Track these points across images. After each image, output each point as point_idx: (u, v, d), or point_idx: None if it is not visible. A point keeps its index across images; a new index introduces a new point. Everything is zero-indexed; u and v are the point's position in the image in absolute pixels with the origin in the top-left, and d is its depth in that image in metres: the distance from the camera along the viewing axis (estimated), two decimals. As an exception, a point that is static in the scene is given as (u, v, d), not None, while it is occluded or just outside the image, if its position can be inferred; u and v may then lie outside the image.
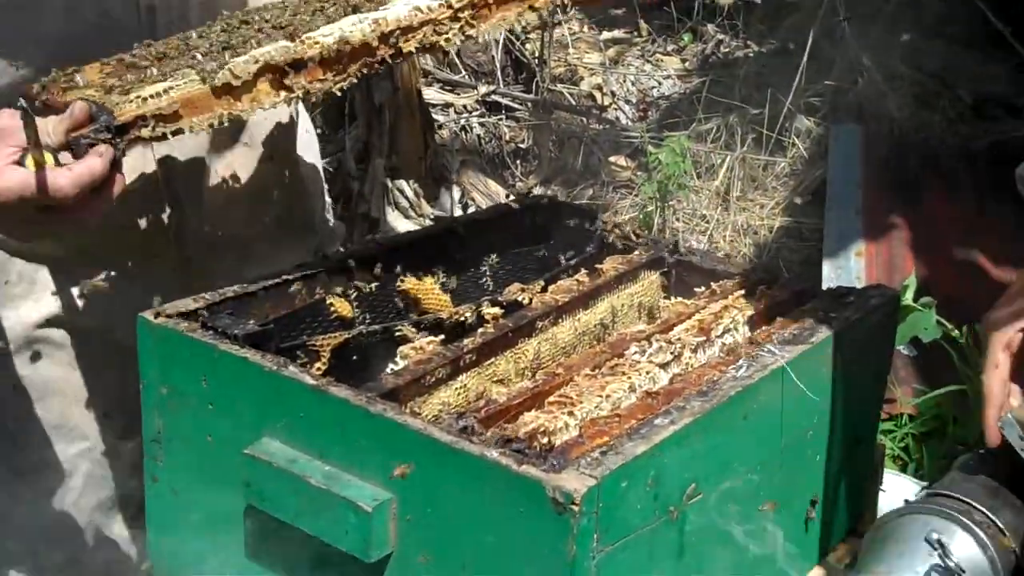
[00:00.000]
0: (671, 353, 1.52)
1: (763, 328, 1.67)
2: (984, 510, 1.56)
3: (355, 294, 1.72)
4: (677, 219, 4.35)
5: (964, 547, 1.55)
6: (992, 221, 4.08)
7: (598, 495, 1.20)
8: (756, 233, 4.33)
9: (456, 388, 1.50)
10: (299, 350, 1.53)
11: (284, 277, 1.66)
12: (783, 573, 1.66)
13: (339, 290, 1.70)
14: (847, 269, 3.89)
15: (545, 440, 1.32)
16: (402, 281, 1.78)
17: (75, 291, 1.85)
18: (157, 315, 1.52)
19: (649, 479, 1.28)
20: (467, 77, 4.67)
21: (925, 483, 3.01)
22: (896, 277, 3.73)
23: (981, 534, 1.55)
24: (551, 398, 1.41)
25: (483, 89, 4.68)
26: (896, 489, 2.92)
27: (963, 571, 1.53)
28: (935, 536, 1.55)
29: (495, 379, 1.56)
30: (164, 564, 1.61)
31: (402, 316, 1.74)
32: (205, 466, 1.50)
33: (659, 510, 1.31)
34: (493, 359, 1.56)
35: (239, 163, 1.97)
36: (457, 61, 4.75)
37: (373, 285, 1.76)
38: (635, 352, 1.53)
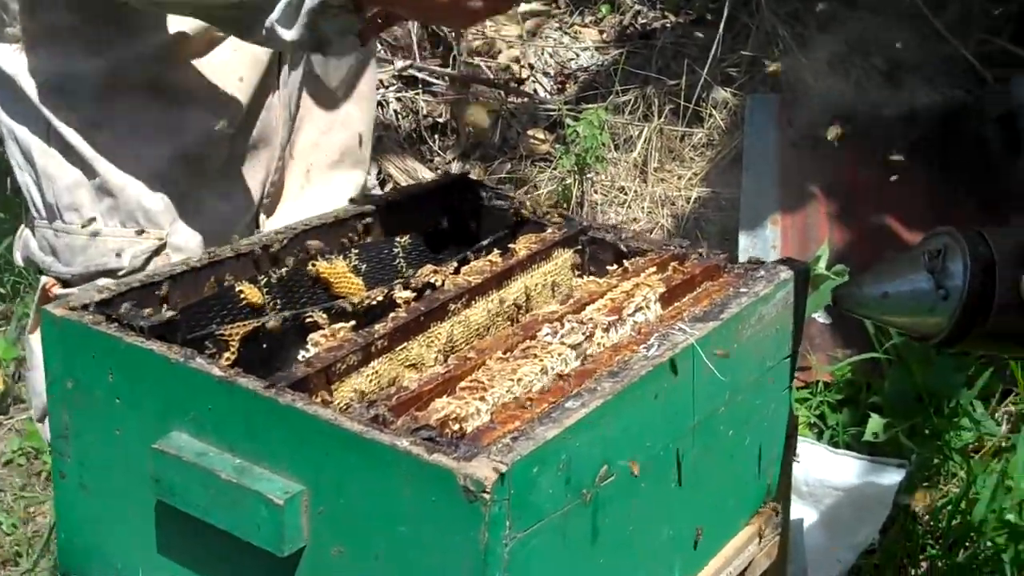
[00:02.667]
0: (583, 334, 1.52)
1: (674, 305, 1.68)
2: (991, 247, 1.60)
3: (265, 280, 1.70)
4: (596, 192, 4.34)
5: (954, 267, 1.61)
6: (903, 186, 4.13)
7: (509, 482, 1.20)
8: (674, 204, 4.33)
9: (368, 374, 1.48)
10: (207, 340, 1.51)
11: (191, 265, 1.63)
12: (700, 547, 1.68)
13: (248, 276, 1.68)
14: (763, 238, 3.91)
15: (457, 427, 1.31)
16: (313, 265, 1.76)
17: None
18: (61, 307, 1.49)
19: (560, 463, 1.28)
20: (383, 51, 4.62)
21: (840, 450, 3.08)
22: (811, 245, 3.76)
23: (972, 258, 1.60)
24: (463, 383, 1.40)
25: (399, 64, 4.63)
26: (810, 457, 2.98)
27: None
28: (934, 246, 1.63)
29: (408, 363, 1.55)
30: (75, 562, 1.58)
31: (314, 301, 1.73)
32: (114, 462, 1.47)
33: (571, 493, 1.31)
34: (405, 343, 1.55)
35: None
36: (373, 35, 4.69)
37: (284, 270, 1.74)
38: (547, 333, 1.52)
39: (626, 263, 1.78)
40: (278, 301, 1.70)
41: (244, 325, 1.54)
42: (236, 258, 1.68)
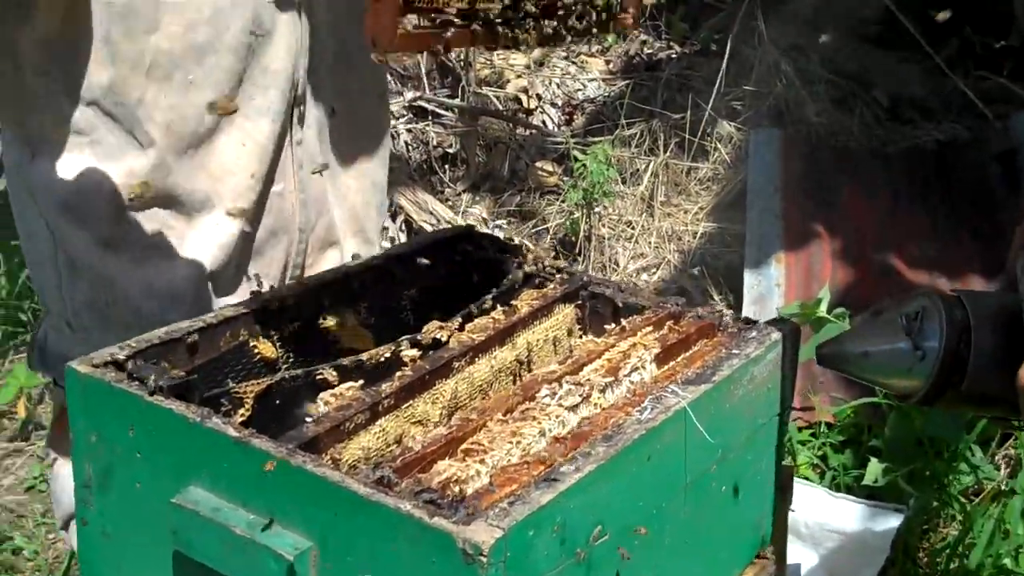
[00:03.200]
0: (580, 395, 1.59)
1: (669, 364, 1.76)
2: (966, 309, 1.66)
3: (277, 335, 1.78)
4: (603, 225, 4.42)
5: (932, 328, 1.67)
6: (906, 224, 4.20)
7: (505, 545, 1.27)
8: (680, 239, 4.41)
9: (375, 432, 1.56)
10: (223, 398, 1.58)
11: (208, 321, 1.71)
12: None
13: (262, 332, 1.76)
14: (767, 276, 3.97)
15: (457, 489, 1.38)
16: (323, 320, 1.84)
17: None
18: (85, 364, 1.57)
19: (555, 525, 1.35)
20: (393, 83, 4.71)
21: (840, 494, 3.15)
22: (814, 284, 3.83)
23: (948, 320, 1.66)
24: (464, 445, 1.48)
25: (409, 95, 4.72)
26: (810, 500, 3.04)
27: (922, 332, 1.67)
28: (911, 309, 1.69)
29: (414, 420, 1.62)
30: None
31: (325, 354, 1.80)
32: (134, 512, 1.55)
33: (566, 554, 1.38)
34: (411, 401, 1.62)
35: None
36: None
37: (296, 324, 1.81)
38: (546, 395, 1.60)
39: (624, 322, 1.86)
40: (290, 355, 1.78)
41: (258, 383, 1.61)
42: (250, 314, 1.76)
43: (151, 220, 2.01)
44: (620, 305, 1.92)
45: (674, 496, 1.59)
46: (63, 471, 2.13)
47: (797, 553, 2.78)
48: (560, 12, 1.74)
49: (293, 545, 1.37)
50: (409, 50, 1.54)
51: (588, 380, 1.64)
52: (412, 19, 1.55)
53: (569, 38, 1.78)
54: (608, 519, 1.45)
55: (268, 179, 2.11)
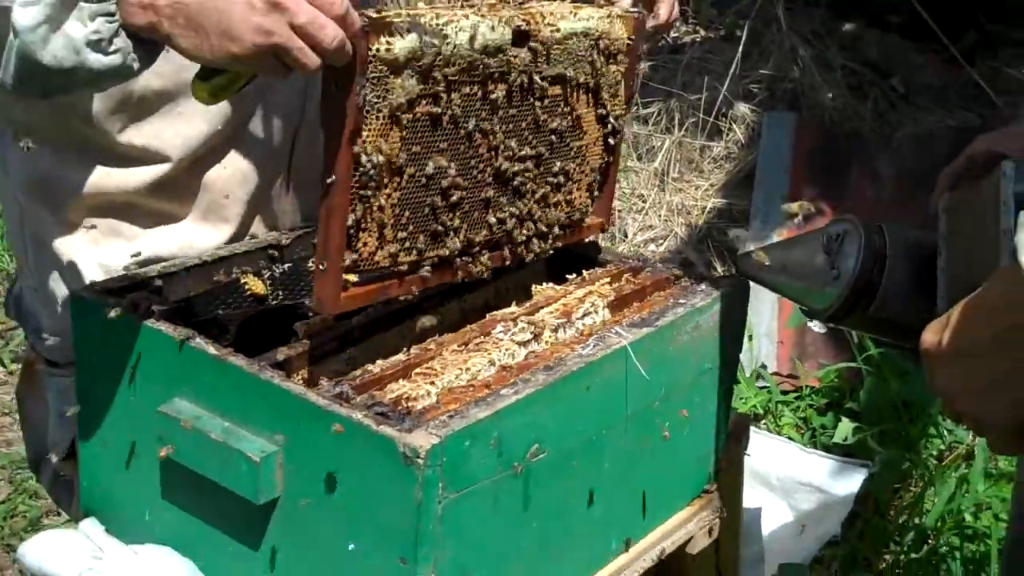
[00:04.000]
0: (531, 333, 1.76)
1: (622, 312, 1.92)
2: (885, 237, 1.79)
3: (268, 274, 1.96)
4: (616, 198, 4.57)
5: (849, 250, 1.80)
6: (911, 206, 4.31)
7: (442, 451, 1.44)
8: (689, 213, 4.57)
9: (344, 359, 1.74)
10: (211, 324, 1.77)
11: (204, 259, 1.90)
12: (635, 525, 1.92)
13: (253, 271, 1.94)
14: (768, 250, 4.11)
15: (406, 405, 1.56)
16: (312, 263, 2.02)
17: None
18: (88, 291, 1.77)
19: (492, 439, 1.52)
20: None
21: (810, 450, 3.31)
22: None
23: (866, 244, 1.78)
24: (418, 369, 1.66)
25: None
26: (783, 454, 3.21)
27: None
28: (835, 230, 1.82)
29: (382, 352, 1.80)
30: (94, 504, 1.85)
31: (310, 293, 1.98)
32: (127, 422, 1.74)
33: (503, 466, 1.55)
34: (381, 335, 1.80)
35: None
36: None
37: (286, 265, 2.00)
38: (500, 331, 1.77)
39: (585, 273, 2.02)
40: (279, 293, 1.96)
41: (243, 312, 1.80)
42: (244, 254, 1.94)
43: (115, 214, 2.03)
44: (589, 258, 2.08)
45: (614, 426, 1.76)
46: (32, 415, 2.26)
47: (768, 503, 2.94)
48: (516, 241, 1.87)
49: (260, 449, 1.55)
50: (358, 306, 1.67)
51: (542, 321, 1.81)
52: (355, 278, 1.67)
53: (532, 257, 1.93)
54: (546, 439, 1.61)
55: (256, 200, 2.09)
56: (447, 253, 1.76)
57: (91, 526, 1.85)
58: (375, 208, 1.64)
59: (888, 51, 5.10)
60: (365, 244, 1.64)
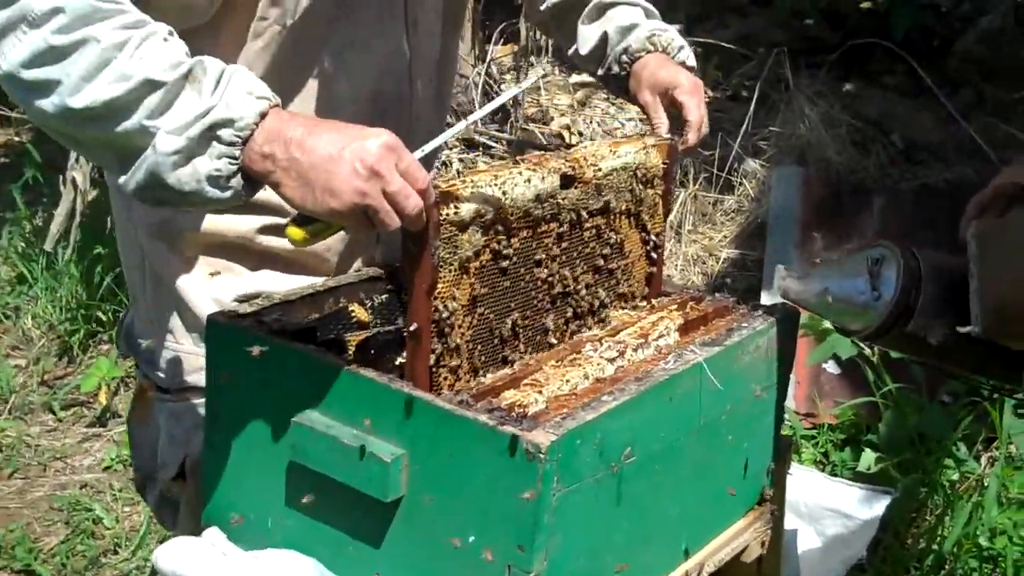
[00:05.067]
0: (617, 351, 1.98)
1: (690, 334, 2.14)
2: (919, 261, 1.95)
3: (370, 304, 2.17)
4: (635, 249, 4.80)
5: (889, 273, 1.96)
6: (929, 247, 4.55)
7: (559, 448, 1.64)
8: (705, 263, 4.80)
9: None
10: (331, 344, 1.98)
11: (317, 288, 2.11)
12: (702, 530, 2.11)
13: (357, 300, 2.15)
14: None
15: (521, 410, 1.77)
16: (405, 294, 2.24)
17: None
18: (223, 316, 1.97)
19: (596, 440, 1.73)
20: (449, 117, 5.13)
21: (836, 478, 3.50)
22: (825, 303, 4.19)
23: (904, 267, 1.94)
24: (525, 381, 1.87)
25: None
26: (810, 483, 3.40)
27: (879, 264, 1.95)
28: (874, 255, 1.98)
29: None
30: (216, 515, 2.03)
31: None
32: (256, 436, 1.92)
33: (603, 465, 1.75)
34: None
35: None
36: (439, 101, 5.20)
37: (384, 296, 2.21)
38: (590, 350, 1.99)
39: (653, 301, 2.24)
40: (378, 320, 2.16)
41: (359, 334, 2.00)
42: (348, 286, 2.15)
43: (228, 254, 2.23)
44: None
45: (689, 434, 1.97)
46: (141, 440, 2.41)
47: (796, 527, 3.13)
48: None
49: (390, 451, 1.75)
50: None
51: (624, 341, 2.03)
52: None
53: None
54: (636, 444, 1.82)
55: (353, 248, 2.29)
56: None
57: (214, 534, 2.03)
58: (452, 347, 1.86)
59: (888, 109, 5.37)
60: (445, 379, 1.86)
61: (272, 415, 1.90)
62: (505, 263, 1.92)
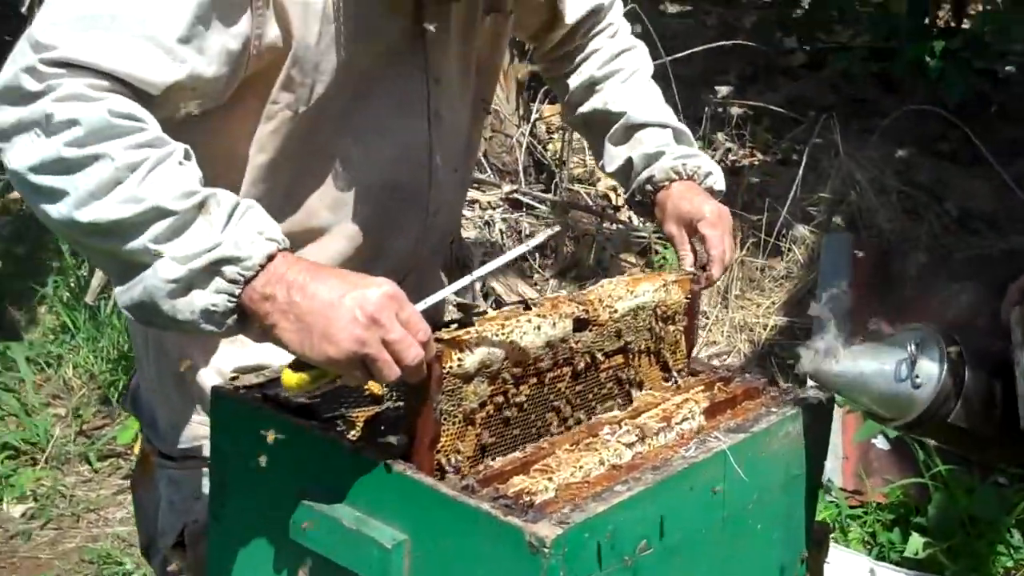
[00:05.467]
0: (636, 435, 1.89)
1: (716, 418, 2.04)
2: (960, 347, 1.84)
3: (384, 377, 2.10)
4: (679, 314, 4.72)
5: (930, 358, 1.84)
6: (969, 330, 4.42)
7: (564, 542, 1.55)
8: (752, 330, 4.69)
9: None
10: (338, 419, 1.91)
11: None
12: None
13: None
14: (830, 367, 4.21)
15: (528, 499, 1.68)
16: (422, 367, 2.17)
17: None
18: (226, 390, 1.91)
19: (607, 532, 1.64)
20: (492, 176, 5.09)
21: (883, 564, 3.37)
22: (874, 376, 4.06)
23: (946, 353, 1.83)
24: (535, 466, 1.78)
25: (506, 188, 5.09)
26: (855, 569, 3.27)
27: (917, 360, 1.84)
28: (914, 341, 1.86)
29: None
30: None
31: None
32: (260, 510, 1.86)
33: (615, 558, 1.66)
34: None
35: None
36: (483, 160, 5.18)
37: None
38: (607, 433, 1.90)
39: (679, 380, 2.15)
40: (394, 394, 2.09)
41: (368, 410, 1.93)
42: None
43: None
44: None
45: (712, 526, 1.87)
46: (145, 503, 2.36)
47: (841, 620, 3.01)
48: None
49: (392, 537, 1.67)
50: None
51: (644, 424, 1.94)
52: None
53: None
54: (653, 536, 1.73)
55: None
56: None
57: (218, 613, 1.97)
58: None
59: (941, 176, 5.26)
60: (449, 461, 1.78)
61: (277, 491, 1.83)
62: (514, 411, 1.86)
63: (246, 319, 1.69)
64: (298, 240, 2.06)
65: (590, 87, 2.49)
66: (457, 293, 4.72)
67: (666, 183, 2.32)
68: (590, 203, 5.25)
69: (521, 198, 5.14)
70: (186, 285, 1.64)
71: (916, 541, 3.37)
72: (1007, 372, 1.82)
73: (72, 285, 5.67)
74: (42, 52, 1.65)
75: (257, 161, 1.99)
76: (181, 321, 1.67)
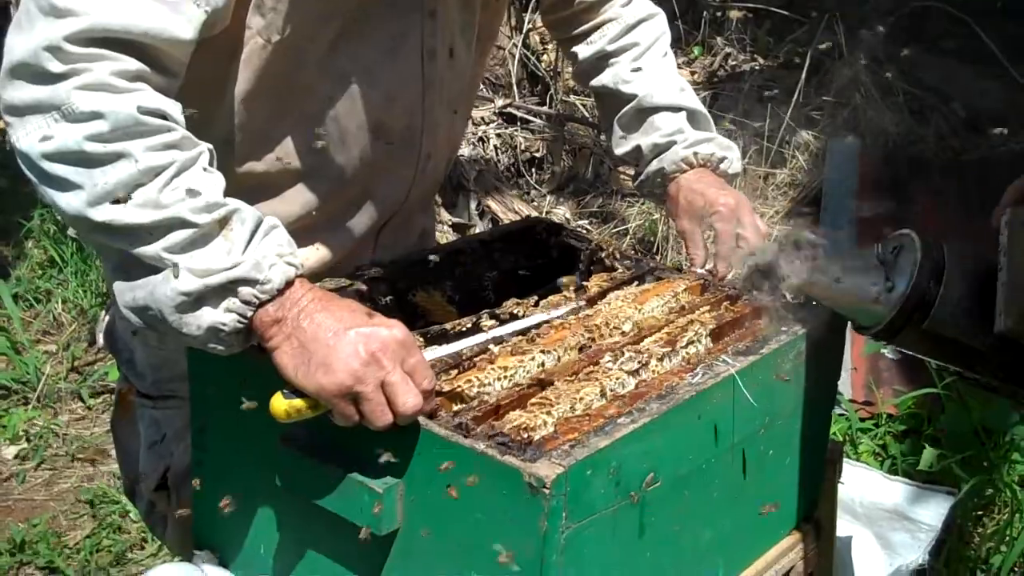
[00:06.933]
0: (639, 362, 1.78)
1: (723, 340, 1.93)
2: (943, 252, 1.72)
3: (372, 306, 1.98)
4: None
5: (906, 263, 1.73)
6: (978, 232, 4.31)
7: (566, 481, 1.46)
8: (755, 241, 4.57)
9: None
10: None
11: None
12: (740, 553, 1.92)
13: (360, 302, 1.97)
14: (837, 276, 4.12)
15: (526, 435, 1.58)
16: (414, 295, 2.05)
17: None
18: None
19: (611, 468, 1.54)
20: (485, 90, 4.93)
21: (895, 476, 3.29)
22: (882, 284, 3.97)
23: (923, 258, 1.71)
24: (533, 400, 1.67)
25: (500, 102, 4.94)
26: (866, 481, 3.20)
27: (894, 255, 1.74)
28: (892, 246, 1.76)
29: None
30: (207, 538, 1.88)
31: (413, 325, 2.01)
32: (242, 454, 1.77)
33: (620, 495, 1.57)
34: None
35: None
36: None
37: (389, 298, 2.03)
38: (608, 361, 1.79)
39: (683, 300, 2.04)
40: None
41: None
42: (350, 287, 1.97)
43: None
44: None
45: (723, 454, 1.77)
46: (127, 444, 2.30)
47: (852, 529, 2.92)
48: None
49: (383, 481, 1.58)
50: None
51: (648, 350, 1.83)
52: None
53: None
54: (661, 468, 1.63)
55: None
56: None
57: (206, 559, 1.88)
58: None
59: (948, 76, 5.10)
60: None
61: (260, 436, 1.73)
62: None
63: (248, 338, 1.64)
64: (277, 180, 1.98)
65: (602, 59, 2.36)
66: (453, 212, 4.61)
67: (676, 174, 2.24)
68: (587, 115, 5.09)
69: (515, 112, 4.99)
70: (197, 299, 1.58)
71: (929, 454, 3.28)
72: (992, 280, 1.69)
73: (58, 218, 5.55)
74: (65, 20, 1.54)
75: (230, 92, 1.88)
76: (183, 333, 1.61)
